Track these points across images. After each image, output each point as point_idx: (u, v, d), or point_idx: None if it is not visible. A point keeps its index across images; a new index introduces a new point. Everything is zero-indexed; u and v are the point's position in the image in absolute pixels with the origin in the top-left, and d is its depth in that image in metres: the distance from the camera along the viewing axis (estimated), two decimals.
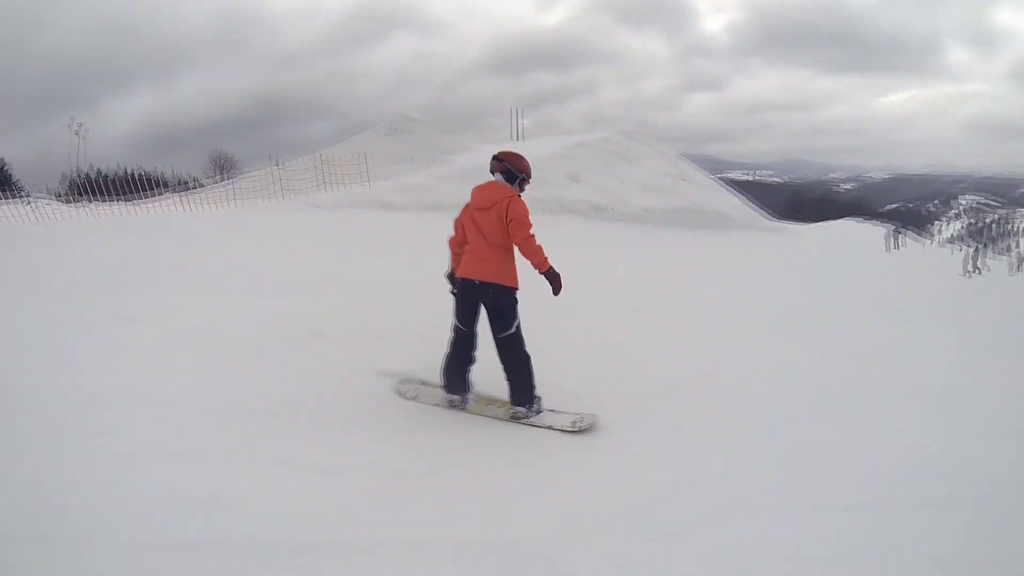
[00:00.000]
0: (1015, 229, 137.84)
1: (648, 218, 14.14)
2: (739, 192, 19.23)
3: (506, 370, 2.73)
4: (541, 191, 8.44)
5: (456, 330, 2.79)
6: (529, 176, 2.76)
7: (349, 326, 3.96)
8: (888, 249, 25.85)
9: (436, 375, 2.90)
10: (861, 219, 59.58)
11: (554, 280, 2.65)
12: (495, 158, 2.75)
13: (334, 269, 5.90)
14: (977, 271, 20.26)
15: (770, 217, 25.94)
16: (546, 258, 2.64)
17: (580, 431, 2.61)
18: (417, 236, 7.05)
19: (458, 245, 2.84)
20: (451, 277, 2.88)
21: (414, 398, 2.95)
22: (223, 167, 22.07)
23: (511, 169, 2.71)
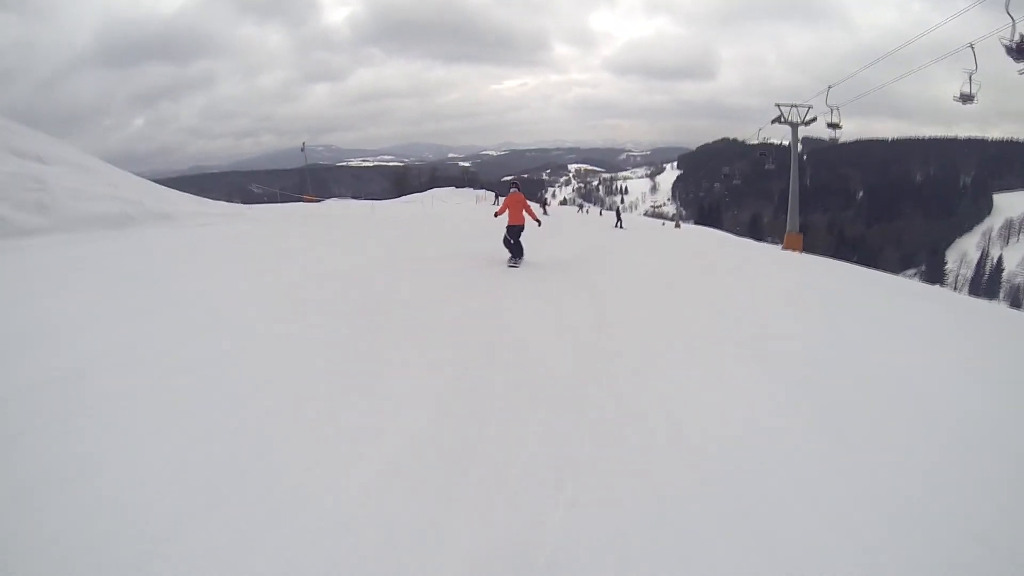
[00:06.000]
0: (618, 188, 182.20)
1: None
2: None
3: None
4: None
5: (506, 241, 7.84)
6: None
7: None
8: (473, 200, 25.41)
9: None
10: (453, 187, 65.66)
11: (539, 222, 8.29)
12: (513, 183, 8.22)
13: None
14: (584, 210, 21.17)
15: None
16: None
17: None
18: None
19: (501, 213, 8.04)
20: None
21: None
22: None
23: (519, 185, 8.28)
